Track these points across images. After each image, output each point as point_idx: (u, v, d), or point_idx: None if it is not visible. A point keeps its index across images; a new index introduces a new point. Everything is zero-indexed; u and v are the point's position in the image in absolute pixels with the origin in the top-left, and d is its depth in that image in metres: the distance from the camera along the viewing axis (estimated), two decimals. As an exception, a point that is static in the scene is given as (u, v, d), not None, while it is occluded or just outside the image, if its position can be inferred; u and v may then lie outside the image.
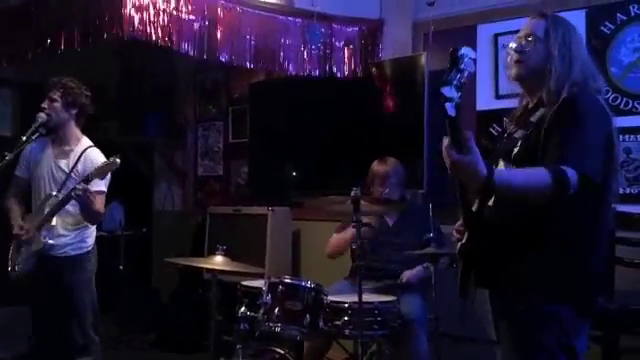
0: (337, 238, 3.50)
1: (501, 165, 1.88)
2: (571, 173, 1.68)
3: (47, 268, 2.98)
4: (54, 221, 2.93)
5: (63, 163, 3.04)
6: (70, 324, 3.00)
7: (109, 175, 2.98)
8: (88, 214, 2.96)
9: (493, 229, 1.85)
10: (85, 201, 2.83)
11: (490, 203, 1.85)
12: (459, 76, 1.60)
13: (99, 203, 2.96)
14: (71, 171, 2.98)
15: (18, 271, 2.97)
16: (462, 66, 1.60)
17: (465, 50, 1.62)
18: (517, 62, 1.95)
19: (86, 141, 3.11)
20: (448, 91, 1.57)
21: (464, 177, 1.68)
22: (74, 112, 3.04)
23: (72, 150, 3.05)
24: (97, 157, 3.02)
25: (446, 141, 1.63)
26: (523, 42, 1.94)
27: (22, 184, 3.13)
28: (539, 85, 1.91)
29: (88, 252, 3.09)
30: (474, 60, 1.63)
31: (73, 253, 3.04)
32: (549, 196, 1.69)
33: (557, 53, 1.88)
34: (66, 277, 3.00)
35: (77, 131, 3.10)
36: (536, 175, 1.70)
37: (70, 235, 3.03)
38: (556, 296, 1.79)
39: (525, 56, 1.93)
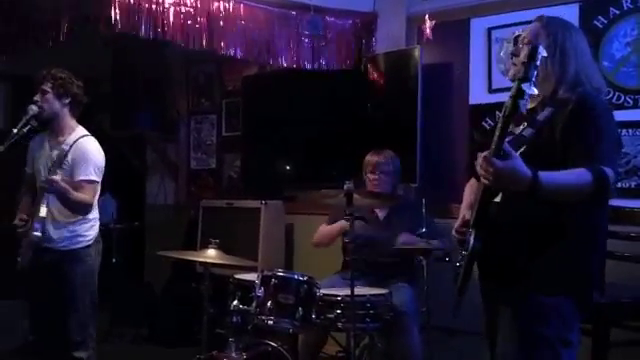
0: (326, 229, 3.52)
1: None
2: (609, 172, 1.73)
3: (46, 261, 2.96)
4: (43, 212, 2.90)
5: (56, 154, 3.02)
6: (68, 318, 2.98)
7: (101, 163, 2.98)
8: (67, 204, 2.93)
9: (500, 225, 1.85)
10: (56, 191, 2.83)
11: (497, 199, 1.85)
12: (535, 72, 1.61)
13: (87, 192, 2.94)
14: (62, 161, 2.95)
15: (19, 263, 2.95)
16: (537, 62, 1.61)
17: (541, 47, 1.64)
18: (513, 65, 1.99)
19: (81, 130, 3.09)
20: (528, 88, 1.58)
21: (510, 183, 1.68)
22: (67, 102, 3.03)
23: (65, 140, 3.04)
24: (87, 145, 3.00)
25: (483, 154, 1.65)
26: (519, 46, 1.99)
27: (30, 180, 3.14)
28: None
29: (88, 246, 3.07)
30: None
31: (73, 247, 3.02)
32: (588, 195, 1.72)
33: (545, 53, 1.91)
34: (65, 270, 2.99)
35: (72, 121, 3.08)
36: (578, 175, 1.73)
37: (67, 227, 3.01)
38: (560, 290, 1.82)
39: (518, 59, 1.96)
